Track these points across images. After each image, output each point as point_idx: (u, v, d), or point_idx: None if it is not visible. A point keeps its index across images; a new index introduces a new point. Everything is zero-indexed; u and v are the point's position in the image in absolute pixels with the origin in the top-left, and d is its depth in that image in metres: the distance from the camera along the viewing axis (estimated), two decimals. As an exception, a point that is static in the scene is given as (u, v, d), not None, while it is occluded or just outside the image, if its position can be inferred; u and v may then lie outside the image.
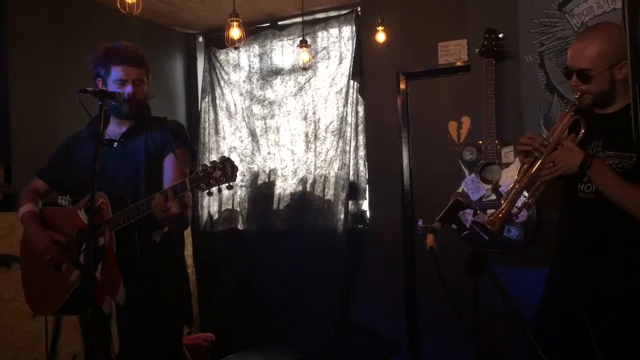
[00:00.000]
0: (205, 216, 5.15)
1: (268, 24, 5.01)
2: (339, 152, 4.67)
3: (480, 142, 3.55)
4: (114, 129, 2.52)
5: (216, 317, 4.80)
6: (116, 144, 2.39)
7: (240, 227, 5.04)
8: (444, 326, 3.94)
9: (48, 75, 3.96)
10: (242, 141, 5.11)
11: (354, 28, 4.66)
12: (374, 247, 4.51)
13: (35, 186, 2.64)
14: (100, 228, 2.26)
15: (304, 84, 4.87)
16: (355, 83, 4.63)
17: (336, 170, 4.68)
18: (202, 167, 2.12)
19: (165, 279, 2.46)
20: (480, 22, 3.67)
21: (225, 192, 2.18)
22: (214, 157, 5.09)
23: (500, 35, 3.56)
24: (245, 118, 5.09)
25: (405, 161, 4.44)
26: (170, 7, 4.56)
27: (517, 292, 2.46)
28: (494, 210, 2.08)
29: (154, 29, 4.91)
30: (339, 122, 4.70)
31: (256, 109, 5.06)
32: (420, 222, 4.23)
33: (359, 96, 4.64)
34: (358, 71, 4.61)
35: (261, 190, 4.98)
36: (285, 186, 4.92)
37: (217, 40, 5.09)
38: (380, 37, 4.22)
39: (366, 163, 4.64)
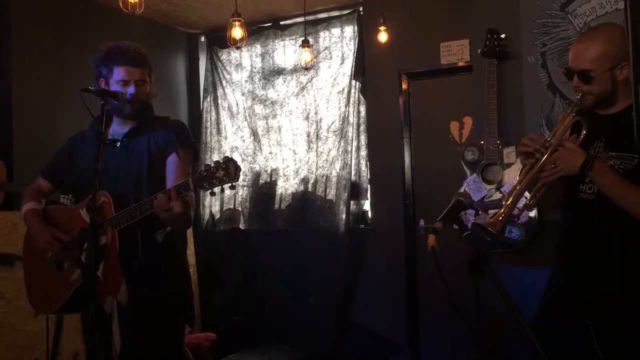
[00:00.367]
0: (206, 216, 5.15)
1: (270, 24, 5.01)
2: (340, 152, 4.67)
3: (482, 142, 3.55)
4: (117, 128, 2.52)
5: (217, 316, 4.80)
6: (119, 143, 2.40)
7: (241, 226, 5.05)
8: (445, 326, 3.94)
9: (50, 74, 3.97)
10: (244, 141, 5.11)
11: (356, 28, 4.66)
12: (375, 247, 4.51)
13: (39, 185, 2.64)
14: (102, 227, 2.26)
15: (306, 83, 4.87)
16: (357, 83, 4.63)
17: (338, 170, 4.68)
18: (205, 167, 2.12)
19: (167, 279, 2.46)
20: (482, 22, 3.67)
21: (227, 192, 2.18)
22: (216, 157, 5.09)
23: (503, 36, 3.56)
24: (247, 118, 5.09)
25: (407, 161, 4.44)
26: (173, 6, 4.57)
27: (518, 292, 2.46)
28: (495, 210, 2.08)
29: (156, 28, 4.92)
30: (340, 122, 4.70)
31: (258, 108, 5.06)
32: (421, 223, 4.23)
33: (360, 96, 4.64)
34: (360, 71, 4.61)
35: (263, 190, 4.98)
36: (286, 186, 4.93)
37: (220, 40, 5.10)
38: (382, 37, 4.22)
39: (368, 163, 4.63)
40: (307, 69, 4.14)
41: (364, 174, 4.66)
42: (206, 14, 4.79)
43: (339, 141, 4.70)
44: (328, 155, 4.76)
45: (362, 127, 4.65)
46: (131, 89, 2.40)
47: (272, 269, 4.77)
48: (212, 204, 5.17)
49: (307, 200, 4.79)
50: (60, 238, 2.39)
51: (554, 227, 2.34)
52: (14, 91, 3.79)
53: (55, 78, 3.97)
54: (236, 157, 4.87)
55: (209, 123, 5.23)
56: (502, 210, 2.01)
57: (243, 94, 5.12)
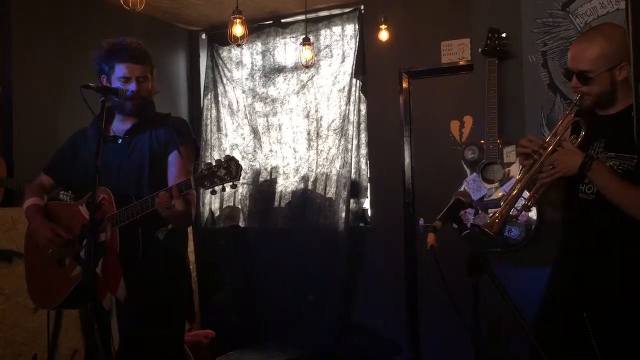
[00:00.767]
0: (206, 213, 5.15)
1: (271, 22, 5.01)
2: (340, 151, 4.67)
3: (482, 141, 3.55)
4: (119, 125, 2.52)
5: (217, 314, 4.81)
6: (120, 140, 2.40)
7: (241, 224, 5.05)
8: (445, 325, 3.94)
9: (50, 71, 3.97)
10: (244, 138, 5.11)
11: (357, 26, 4.66)
12: (375, 245, 4.52)
13: (41, 181, 2.65)
14: (101, 224, 2.26)
15: (307, 81, 4.87)
16: (358, 81, 4.63)
17: (338, 168, 4.68)
18: (207, 165, 2.12)
19: (168, 276, 2.46)
20: (483, 21, 3.67)
21: (228, 190, 2.17)
22: (216, 154, 5.10)
23: (504, 35, 3.55)
24: (248, 115, 5.09)
25: (407, 160, 4.44)
26: (174, 3, 4.57)
27: (518, 291, 2.46)
28: (495, 209, 2.08)
29: (157, 25, 4.91)
30: (341, 120, 4.70)
31: (258, 106, 5.06)
32: (421, 221, 4.23)
33: (361, 94, 4.64)
34: (361, 69, 4.61)
35: (263, 188, 4.98)
36: (286, 184, 4.93)
37: (220, 38, 5.09)
38: (383, 35, 4.22)
39: (368, 161, 4.64)
40: (307, 67, 4.14)
41: (364, 173, 4.66)
42: (207, 11, 4.79)
43: (339, 139, 4.70)
44: (328, 153, 4.76)
45: (362, 126, 4.65)
46: (132, 86, 2.40)
47: (272, 266, 4.77)
48: (211, 202, 5.17)
49: (307, 198, 4.79)
50: (61, 234, 2.40)
51: (553, 227, 2.34)
52: (14, 88, 3.79)
53: (56, 75, 3.97)
54: (236, 154, 4.88)
55: (209, 120, 5.22)
56: (499, 212, 2.01)
57: (243, 92, 5.12)
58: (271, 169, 5.00)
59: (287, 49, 4.99)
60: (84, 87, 2.20)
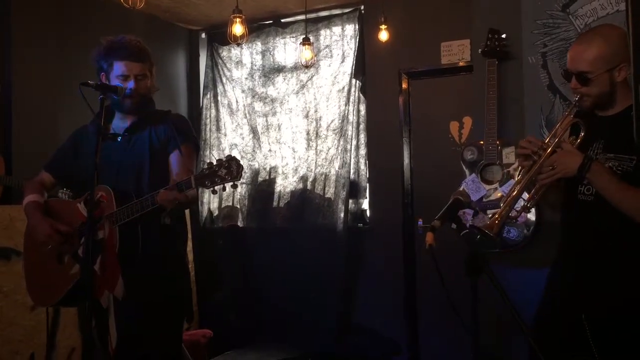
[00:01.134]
0: (205, 212, 5.15)
1: (271, 21, 5.01)
2: (340, 151, 4.67)
3: (482, 142, 3.55)
4: (118, 123, 2.52)
5: (215, 313, 4.80)
6: (120, 138, 2.40)
7: (240, 224, 5.04)
8: (444, 326, 3.94)
9: (50, 69, 3.96)
10: (243, 138, 5.11)
11: (356, 26, 4.66)
12: (374, 246, 4.52)
13: (42, 178, 2.65)
14: (99, 221, 2.26)
15: (306, 81, 4.87)
16: (357, 81, 4.63)
17: (337, 168, 4.68)
18: (208, 165, 2.12)
19: (167, 275, 2.46)
20: (483, 22, 3.66)
21: (227, 189, 2.18)
22: (215, 154, 5.10)
23: (503, 36, 3.55)
24: (247, 115, 5.09)
25: (406, 160, 4.44)
26: (174, 2, 4.56)
27: (517, 292, 2.46)
28: (494, 211, 2.08)
29: (157, 24, 4.91)
30: (340, 121, 4.70)
31: (258, 106, 5.06)
32: (420, 222, 4.23)
33: (360, 95, 4.64)
34: (360, 70, 4.61)
35: (262, 188, 4.98)
36: (285, 184, 4.92)
37: (220, 37, 5.09)
38: (383, 36, 4.22)
39: (367, 162, 4.64)
40: (307, 67, 4.14)
41: (363, 173, 4.66)
42: (207, 11, 4.79)
43: (339, 140, 4.70)
44: (327, 153, 4.76)
45: (361, 126, 4.65)
46: (131, 84, 2.40)
47: (270, 266, 4.76)
48: (210, 201, 5.17)
49: (305, 198, 4.79)
50: (60, 230, 2.39)
51: (552, 228, 2.34)
52: (14, 86, 3.79)
53: (56, 74, 3.96)
54: (235, 154, 4.87)
55: (208, 120, 5.22)
56: (499, 213, 2.01)
57: (243, 91, 5.12)
58: (270, 168, 4.99)
59: (287, 49, 4.99)
60: (83, 85, 2.20)
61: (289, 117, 4.96)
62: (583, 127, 2.05)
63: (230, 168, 2.09)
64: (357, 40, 4.64)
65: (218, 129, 5.20)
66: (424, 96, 4.44)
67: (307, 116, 4.88)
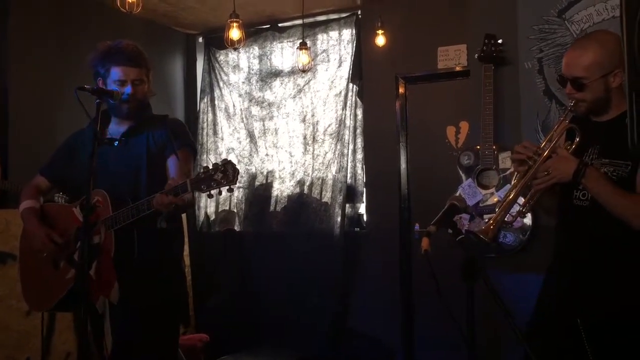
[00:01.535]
0: (202, 217, 5.14)
1: (268, 26, 5.01)
2: (337, 155, 4.67)
3: (478, 147, 3.56)
4: (115, 127, 2.52)
5: (211, 318, 4.79)
6: (116, 142, 2.40)
7: (236, 228, 5.04)
8: (440, 330, 3.94)
9: (47, 73, 3.96)
10: (240, 142, 5.11)
11: (354, 31, 4.67)
12: (370, 250, 4.51)
13: (37, 183, 2.64)
14: (95, 226, 2.26)
15: (303, 86, 4.87)
16: (354, 86, 4.64)
17: (334, 173, 4.68)
18: (204, 169, 2.12)
19: (163, 279, 2.45)
20: (479, 27, 3.68)
21: (224, 194, 2.18)
22: (212, 158, 5.09)
23: (500, 41, 3.57)
24: (244, 119, 5.09)
25: (403, 165, 4.44)
26: (171, 7, 4.57)
27: (513, 297, 2.47)
28: (490, 215, 2.09)
29: (154, 29, 4.91)
30: (337, 125, 4.70)
31: (255, 110, 5.06)
32: (417, 227, 4.23)
33: (357, 99, 4.65)
34: (357, 74, 4.62)
35: (258, 192, 4.98)
36: (282, 188, 4.92)
37: (217, 41, 5.09)
38: (380, 40, 4.23)
39: (364, 166, 4.64)
40: (304, 71, 4.14)
41: (360, 177, 4.66)
42: (204, 15, 4.79)
43: (335, 144, 4.70)
44: (324, 157, 4.76)
45: (358, 130, 4.65)
46: (128, 89, 2.40)
47: (267, 271, 4.76)
48: (207, 205, 5.16)
49: (302, 202, 4.79)
50: (56, 240, 2.40)
51: (548, 233, 2.34)
52: (10, 89, 3.78)
53: (53, 77, 3.95)
54: (232, 158, 4.88)
55: (205, 124, 5.22)
56: (494, 218, 2.02)
57: (240, 96, 5.12)
58: (267, 173, 4.99)
59: (284, 53, 5.00)
60: (80, 89, 2.21)
61: (286, 122, 4.96)
62: (578, 132, 2.06)
63: (227, 172, 2.09)
64: (354, 44, 4.65)
65: (215, 133, 5.20)
66: (421, 101, 4.45)
67: (304, 120, 4.88)
